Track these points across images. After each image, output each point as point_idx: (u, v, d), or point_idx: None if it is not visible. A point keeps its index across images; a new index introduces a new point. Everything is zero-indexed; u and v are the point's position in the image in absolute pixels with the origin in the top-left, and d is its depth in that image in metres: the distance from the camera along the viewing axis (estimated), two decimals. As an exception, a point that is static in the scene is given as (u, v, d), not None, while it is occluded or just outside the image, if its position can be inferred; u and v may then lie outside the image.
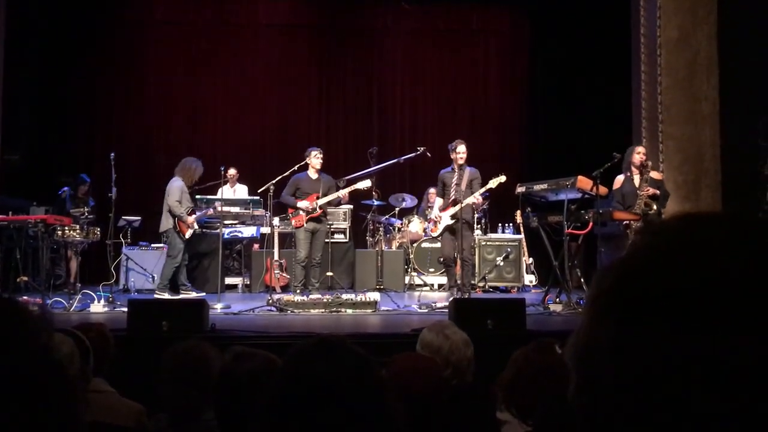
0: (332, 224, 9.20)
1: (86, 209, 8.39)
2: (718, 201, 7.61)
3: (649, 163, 7.19)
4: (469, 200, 7.60)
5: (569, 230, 7.00)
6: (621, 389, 0.57)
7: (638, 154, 7.13)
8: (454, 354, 2.71)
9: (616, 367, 0.57)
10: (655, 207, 6.91)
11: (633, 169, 7.14)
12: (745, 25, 7.61)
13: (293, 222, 8.08)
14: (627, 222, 6.81)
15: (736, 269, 0.55)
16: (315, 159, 8.11)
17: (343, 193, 8.19)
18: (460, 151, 7.72)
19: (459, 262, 7.85)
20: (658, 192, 6.99)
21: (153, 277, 8.79)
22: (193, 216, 8.21)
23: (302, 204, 7.97)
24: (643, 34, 8.14)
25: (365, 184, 8.23)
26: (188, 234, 8.16)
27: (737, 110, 7.63)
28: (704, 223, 0.61)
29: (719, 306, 0.54)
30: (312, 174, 8.16)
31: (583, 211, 7.06)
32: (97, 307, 6.86)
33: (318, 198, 8.00)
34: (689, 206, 7.55)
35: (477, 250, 9.57)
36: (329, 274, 8.84)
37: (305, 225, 8.01)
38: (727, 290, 0.54)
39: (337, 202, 8.47)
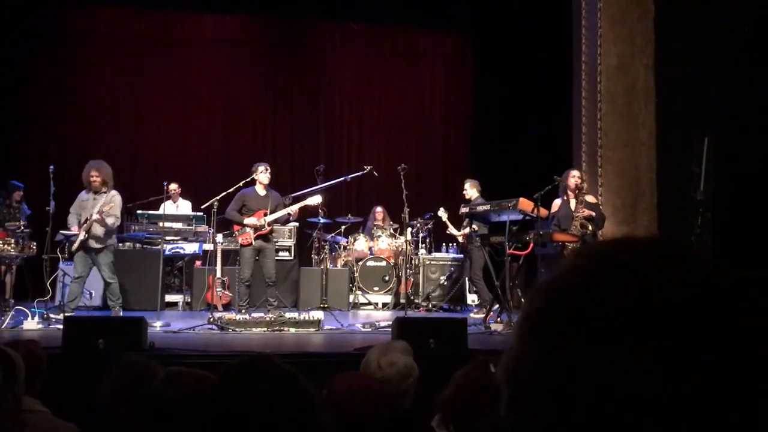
0: (277, 241, 9.10)
1: (22, 223, 8.14)
2: (654, 224, 7.84)
3: (584, 186, 7.39)
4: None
5: (511, 251, 7.11)
6: (545, 408, 0.58)
7: (573, 178, 7.33)
8: (392, 381, 2.72)
9: (541, 386, 0.59)
10: (590, 227, 7.09)
11: (569, 192, 7.32)
12: (681, 56, 7.91)
13: (239, 240, 7.81)
14: (565, 243, 6.96)
15: (660, 292, 0.57)
16: (262, 174, 7.85)
17: (294, 209, 7.96)
18: None
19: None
20: (593, 214, 7.18)
21: (91, 294, 8.57)
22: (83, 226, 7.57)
23: (250, 221, 7.71)
24: (584, 61, 8.37)
25: (316, 199, 8.12)
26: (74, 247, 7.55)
27: (672, 136, 7.90)
28: (631, 247, 0.63)
29: (641, 327, 0.55)
30: (260, 190, 7.91)
31: (525, 233, 7.19)
32: (31, 324, 6.66)
33: (266, 215, 7.77)
34: (627, 229, 7.76)
35: (421, 269, 9.66)
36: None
37: (253, 243, 7.79)
38: (650, 312, 0.56)
39: (285, 220, 8.30)
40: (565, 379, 0.57)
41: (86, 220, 7.47)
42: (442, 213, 9.26)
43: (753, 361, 0.55)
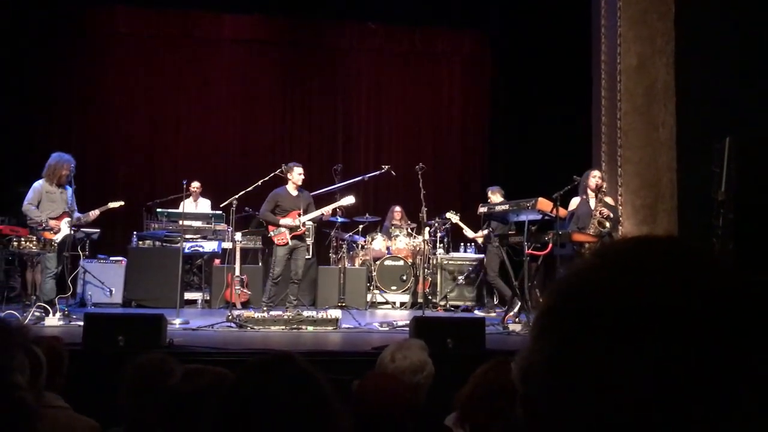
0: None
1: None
2: (675, 225, 7.76)
3: (605, 185, 7.35)
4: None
5: (529, 251, 7.08)
6: (555, 407, 0.58)
7: (594, 178, 7.29)
8: (405, 373, 2.73)
9: (551, 385, 0.59)
10: (608, 225, 7.05)
11: (588, 192, 7.28)
12: (701, 55, 7.83)
13: (275, 240, 7.83)
14: (584, 243, 6.92)
15: (673, 293, 0.57)
16: (298, 176, 7.89)
17: (327, 210, 8.02)
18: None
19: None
20: (611, 214, 7.15)
21: (111, 291, 8.65)
22: (64, 221, 7.51)
23: (286, 222, 7.77)
24: (603, 61, 8.31)
25: (349, 200, 8.17)
26: (56, 239, 7.43)
27: (693, 136, 7.82)
28: (645, 246, 0.63)
29: (652, 328, 0.55)
30: (292, 190, 7.95)
31: (544, 233, 7.17)
32: (53, 321, 6.73)
33: (299, 215, 7.84)
34: (646, 229, 7.69)
35: (438, 269, 9.66)
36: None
37: (289, 243, 7.82)
38: (662, 313, 0.56)
39: (319, 219, 8.35)
40: (575, 378, 0.57)
41: (64, 213, 7.56)
42: (452, 215, 9.24)
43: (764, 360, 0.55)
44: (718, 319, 0.56)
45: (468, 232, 9.28)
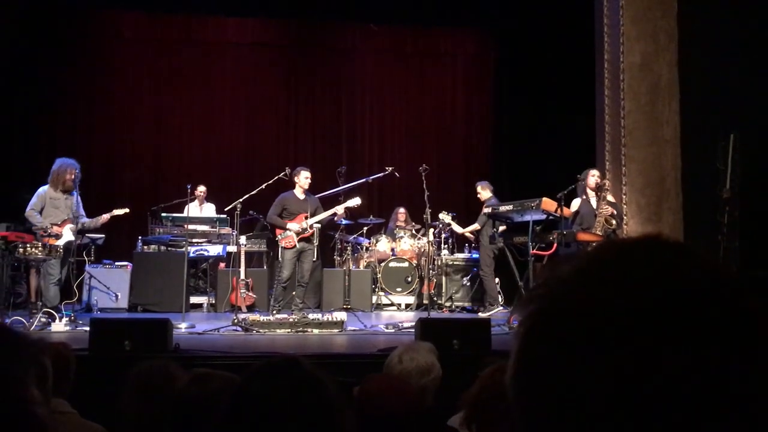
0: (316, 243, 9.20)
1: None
2: (680, 223, 7.75)
3: (607, 183, 7.34)
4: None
5: (534, 251, 7.08)
6: (533, 412, 0.58)
7: (593, 177, 7.31)
8: (412, 375, 2.73)
9: (528, 391, 0.59)
10: (614, 222, 7.05)
11: (588, 191, 7.28)
12: (705, 52, 7.81)
13: (283, 243, 7.91)
14: (589, 243, 6.92)
15: (652, 296, 0.56)
16: (306, 180, 7.99)
17: (340, 209, 8.09)
18: None
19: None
20: (615, 212, 7.15)
21: (116, 296, 8.67)
22: (66, 227, 7.47)
23: (294, 226, 7.84)
24: (606, 60, 8.29)
25: (355, 201, 8.24)
26: (58, 244, 7.32)
27: (697, 134, 7.81)
28: (628, 248, 0.62)
29: (631, 331, 0.54)
30: (299, 194, 8.04)
31: (548, 233, 7.16)
32: (59, 326, 6.74)
33: (306, 218, 7.91)
34: (651, 228, 7.68)
35: (443, 270, 9.65)
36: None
37: (297, 246, 7.89)
38: (641, 315, 0.55)
39: (330, 220, 8.36)
40: (555, 381, 0.56)
41: (68, 220, 7.53)
42: (444, 216, 9.22)
43: (747, 361, 0.54)
44: (702, 319, 0.55)
45: (457, 228, 9.29)
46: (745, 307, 0.57)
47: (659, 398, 0.53)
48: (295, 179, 8.01)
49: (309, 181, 8.01)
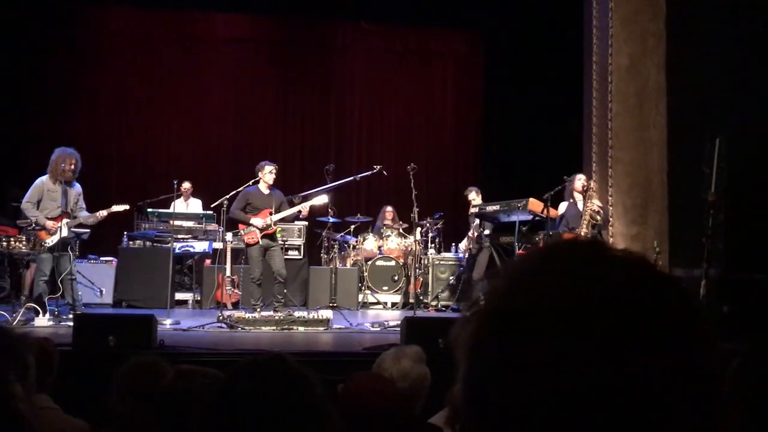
0: (286, 240, 9.14)
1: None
2: (665, 225, 7.79)
3: (593, 184, 7.38)
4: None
5: (520, 251, 7.10)
6: (474, 414, 0.59)
7: (579, 180, 7.37)
8: (404, 383, 2.73)
9: (471, 392, 0.60)
10: (599, 219, 7.08)
11: (575, 195, 7.32)
12: (693, 56, 7.86)
13: (246, 239, 7.78)
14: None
15: (585, 297, 0.56)
16: (269, 175, 7.83)
17: (305, 206, 7.90)
18: None
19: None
20: (601, 210, 7.19)
21: (101, 291, 8.61)
22: (62, 222, 7.14)
23: (257, 221, 7.70)
24: (595, 61, 8.33)
25: (322, 199, 8.12)
26: (50, 241, 7.10)
27: (684, 137, 7.85)
28: (571, 249, 0.62)
29: (570, 329, 0.55)
30: (263, 189, 7.89)
31: (534, 234, 7.19)
32: (42, 321, 6.69)
33: (271, 214, 7.77)
34: (637, 230, 7.72)
35: (430, 269, 9.66)
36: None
37: (260, 242, 7.80)
38: (575, 316, 0.55)
39: (294, 217, 8.30)
40: (490, 386, 0.57)
41: (64, 214, 7.19)
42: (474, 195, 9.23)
43: (665, 359, 0.55)
44: (637, 321, 0.55)
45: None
46: (675, 309, 0.57)
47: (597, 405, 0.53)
48: (259, 174, 7.86)
49: (273, 176, 7.86)
